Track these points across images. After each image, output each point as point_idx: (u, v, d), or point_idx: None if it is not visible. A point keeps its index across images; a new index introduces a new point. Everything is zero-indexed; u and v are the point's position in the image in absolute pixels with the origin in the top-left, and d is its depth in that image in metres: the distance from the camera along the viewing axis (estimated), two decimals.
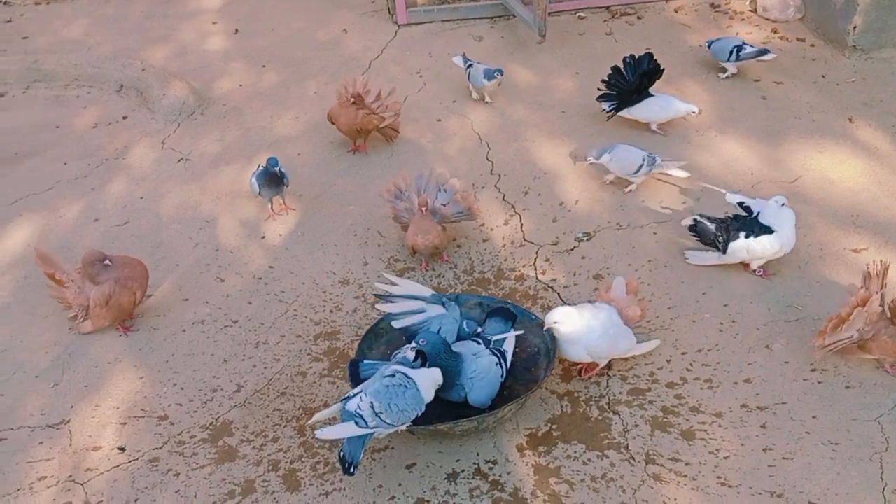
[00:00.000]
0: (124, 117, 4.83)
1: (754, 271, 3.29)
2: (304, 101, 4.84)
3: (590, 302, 2.90)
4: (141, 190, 4.18)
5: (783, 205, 3.25)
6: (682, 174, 3.75)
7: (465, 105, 4.66)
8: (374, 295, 2.92)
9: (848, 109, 4.30)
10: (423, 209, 3.36)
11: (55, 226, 3.96)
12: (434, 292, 2.91)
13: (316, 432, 2.47)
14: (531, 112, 4.54)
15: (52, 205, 4.11)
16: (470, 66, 4.58)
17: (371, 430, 2.42)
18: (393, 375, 2.49)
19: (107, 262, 3.17)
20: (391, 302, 2.90)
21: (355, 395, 2.47)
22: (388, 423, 2.43)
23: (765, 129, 4.20)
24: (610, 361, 2.95)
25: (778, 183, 3.78)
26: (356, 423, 2.41)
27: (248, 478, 2.68)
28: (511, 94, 4.67)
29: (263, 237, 3.78)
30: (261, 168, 3.80)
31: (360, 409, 2.42)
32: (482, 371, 2.67)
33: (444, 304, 2.87)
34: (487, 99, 4.64)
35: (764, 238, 3.19)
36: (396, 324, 2.86)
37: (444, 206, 3.50)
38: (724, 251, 3.25)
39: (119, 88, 5.06)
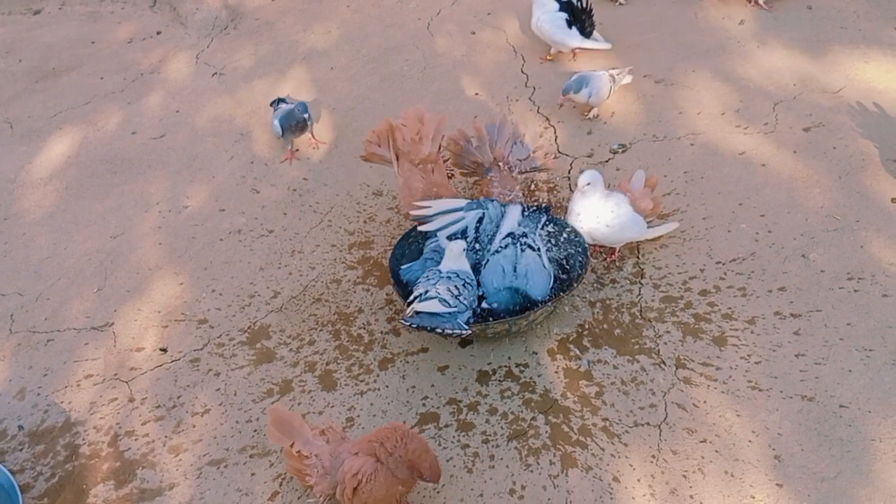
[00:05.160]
0: (158, 32, 4.83)
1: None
2: (337, 14, 4.78)
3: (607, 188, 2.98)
4: (176, 104, 4.20)
5: None
6: (629, 79, 3.82)
7: (499, 17, 4.57)
8: (413, 220, 2.91)
9: None
10: (502, 164, 3.14)
11: (94, 138, 4.01)
12: (468, 200, 2.90)
13: (415, 304, 2.56)
14: None
15: (90, 118, 4.15)
16: None
17: (454, 310, 2.55)
18: (449, 278, 2.63)
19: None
20: (429, 222, 2.87)
21: (425, 292, 2.59)
22: (465, 304, 2.57)
23: (808, 39, 4.07)
24: (643, 270, 2.96)
25: (820, 93, 3.68)
26: (440, 301, 2.54)
27: (285, 378, 2.76)
28: None
29: (297, 150, 3.80)
30: (281, 107, 3.69)
31: (437, 291, 2.54)
32: (529, 266, 2.73)
33: (480, 206, 2.86)
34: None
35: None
36: (441, 233, 2.86)
37: (522, 161, 3.22)
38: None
39: (153, 3, 5.05)
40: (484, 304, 2.67)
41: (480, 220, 2.83)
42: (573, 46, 4.09)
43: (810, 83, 3.77)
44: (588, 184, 2.88)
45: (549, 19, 4.04)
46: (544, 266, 2.74)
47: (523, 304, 2.67)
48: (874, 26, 4.09)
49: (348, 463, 2.18)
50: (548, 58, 4.19)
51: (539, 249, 2.75)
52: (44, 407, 2.76)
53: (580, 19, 4.05)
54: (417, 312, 2.55)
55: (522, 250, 2.71)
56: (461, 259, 2.68)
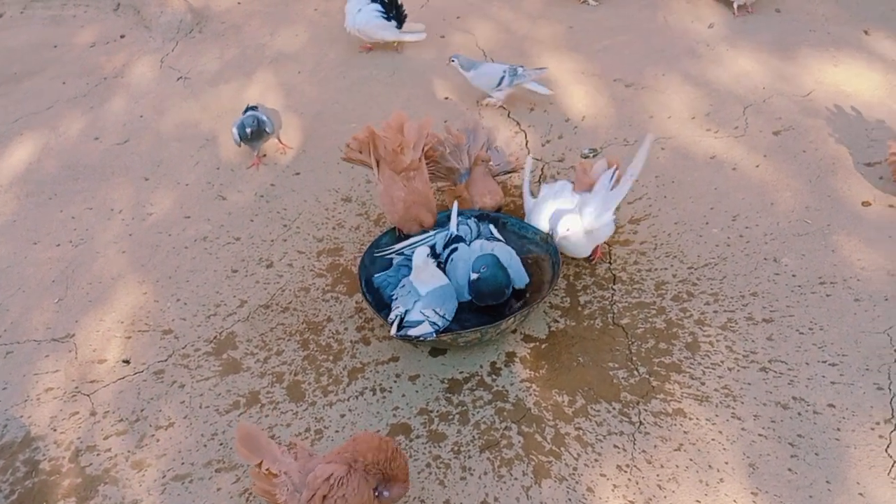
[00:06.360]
0: (122, 36, 4.74)
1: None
2: (304, 17, 4.73)
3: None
4: (140, 108, 4.12)
5: None
6: (544, 91, 3.73)
7: (469, 21, 4.54)
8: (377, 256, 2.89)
9: (865, 21, 4.16)
10: (481, 165, 3.13)
11: (56, 144, 3.92)
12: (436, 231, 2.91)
13: (409, 331, 2.53)
14: (537, 27, 4.43)
15: (52, 124, 4.06)
16: None
17: (441, 327, 2.58)
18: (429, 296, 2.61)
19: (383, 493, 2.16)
20: (400, 254, 2.88)
21: (407, 309, 2.57)
22: (447, 319, 2.60)
23: (778, 42, 4.09)
24: (615, 276, 2.94)
25: (790, 97, 3.69)
26: (430, 323, 2.55)
27: (252, 389, 2.69)
28: (518, 7, 4.54)
29: (265, 155, 3.73)
30: (244, 116, 3.59)
31: (425, 315, 2.55)
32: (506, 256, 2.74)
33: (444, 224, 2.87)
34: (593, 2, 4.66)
35: None
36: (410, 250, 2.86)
37: (496, 166, 3.23)
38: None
39: (116, 7, 4.96)
40: (472, 276, 2.59)
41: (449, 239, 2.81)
42: (390, 39, 4.26)
43: (780, 86, 3.78)
44: (568, 230, 2.79)
45: (363, 17, 4.21)
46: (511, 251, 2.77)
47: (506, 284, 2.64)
48: (843, 29, 4.12)
49: (320, 468, 2.09)
50: (368, 46, 4.37)
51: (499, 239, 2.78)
52: (2, 421, 2.67)
53: (393, 10, 4.18)
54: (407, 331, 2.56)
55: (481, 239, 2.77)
56: (428, 268, 2.64)
